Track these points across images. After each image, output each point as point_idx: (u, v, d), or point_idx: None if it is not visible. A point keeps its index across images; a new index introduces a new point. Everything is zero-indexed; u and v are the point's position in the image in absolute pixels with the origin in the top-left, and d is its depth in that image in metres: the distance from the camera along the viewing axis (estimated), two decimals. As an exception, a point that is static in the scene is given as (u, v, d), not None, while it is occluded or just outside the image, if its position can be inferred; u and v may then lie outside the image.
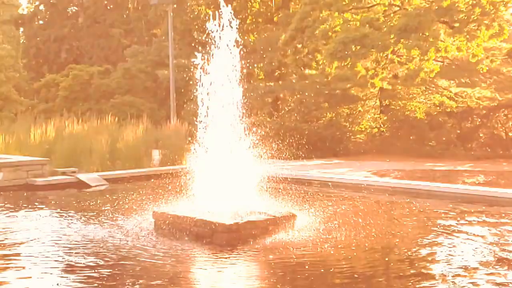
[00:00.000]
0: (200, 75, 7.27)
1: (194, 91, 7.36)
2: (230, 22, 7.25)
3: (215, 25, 7.26)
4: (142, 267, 5.44)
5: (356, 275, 5.26)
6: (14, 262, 5.69)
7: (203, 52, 7.46)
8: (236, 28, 7.27)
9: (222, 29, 7.25)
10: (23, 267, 5.53)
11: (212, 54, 7.26)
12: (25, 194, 10.51)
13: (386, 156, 18.65)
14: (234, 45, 7.23)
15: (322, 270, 5.38)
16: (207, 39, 7.34)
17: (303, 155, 15.49)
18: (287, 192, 9.36)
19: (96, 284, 4.95)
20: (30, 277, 5.12)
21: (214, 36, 7.26)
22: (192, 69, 7.36)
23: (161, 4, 27.86)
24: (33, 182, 10.99)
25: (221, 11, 7.24)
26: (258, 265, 5.58)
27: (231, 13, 7.27)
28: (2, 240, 6.50)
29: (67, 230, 7.05)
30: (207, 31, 7.34)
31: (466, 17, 15.62)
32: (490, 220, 7.93)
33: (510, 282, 4.90)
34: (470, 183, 11.70)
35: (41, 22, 44.35)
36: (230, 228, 6.13)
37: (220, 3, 7.41)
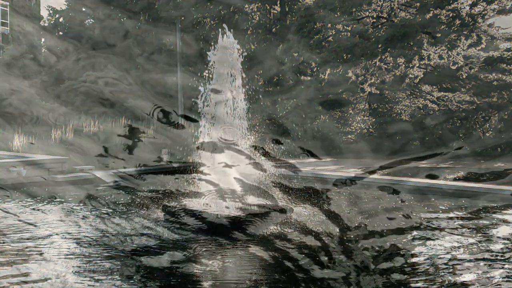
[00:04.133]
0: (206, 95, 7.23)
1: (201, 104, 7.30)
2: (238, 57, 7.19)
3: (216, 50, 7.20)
4: (153, 255, 5.42)
5: (344, 260, 5.24)
6: (36, 253, 5.66)
7: (207, 62, 7.39)
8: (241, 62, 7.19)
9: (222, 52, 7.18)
10: (45, 258, 5.50)
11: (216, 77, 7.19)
12: (46, 189, 10.48)
13: (374, 154, 18.61)
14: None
15: (316, 255, 5.35)
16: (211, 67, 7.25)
17: (299, 154, 15.45)
18: (285, 187, 9.33)
19: (111, 271, 4.93)
20: (51, 266, 5.09)
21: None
22: (198, 75, 7.28)
23: (170, 16, 27.84)
24: (54, 179, 10.97)
25: (225, 29, 7.19)
26: (259, 252, 5.56)
27: (237, 47, 7.21)
28: (25, 232, 6.47)
29: (85, 222, 7.02)
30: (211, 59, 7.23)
31: (447, 28, 15.63)
32: (470, 212, 7.89)
33: (492, 267, 4.87)
34: (451, 179, 11.66)
35: (61, 33, 44.38)
36: (233, 220, 6.11)
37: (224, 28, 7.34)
